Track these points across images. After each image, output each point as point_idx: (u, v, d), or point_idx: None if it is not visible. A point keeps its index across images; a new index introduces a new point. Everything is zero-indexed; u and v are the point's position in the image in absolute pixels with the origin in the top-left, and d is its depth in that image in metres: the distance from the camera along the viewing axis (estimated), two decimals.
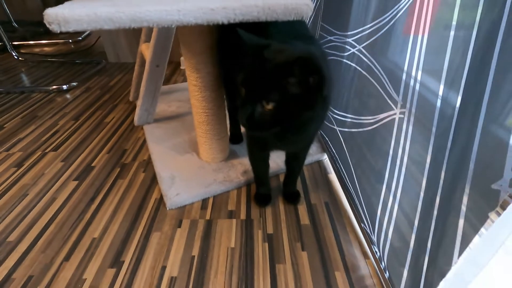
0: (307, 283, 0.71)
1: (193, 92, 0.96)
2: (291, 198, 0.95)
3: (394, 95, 0.67)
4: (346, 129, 0.94)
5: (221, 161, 1.09)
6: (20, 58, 2.27)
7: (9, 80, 1.96)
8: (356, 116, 0.88)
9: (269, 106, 0.57)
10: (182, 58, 2.07)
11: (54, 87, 1.79)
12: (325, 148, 1.14)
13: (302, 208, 0.92)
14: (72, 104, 1.60)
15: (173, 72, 2.04)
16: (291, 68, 0.55)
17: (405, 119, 0.63)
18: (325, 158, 1.15)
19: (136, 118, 1.33)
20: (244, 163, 1.08)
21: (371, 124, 0.80)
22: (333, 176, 1.05)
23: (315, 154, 1.14)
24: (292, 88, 0.56)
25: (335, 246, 0.80)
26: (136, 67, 1.50)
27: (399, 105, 0.65)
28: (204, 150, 1.07)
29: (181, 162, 1.09)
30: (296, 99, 0.57)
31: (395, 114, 0.67)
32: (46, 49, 2.62)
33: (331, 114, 1.06)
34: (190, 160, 1.10)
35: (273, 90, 0.56)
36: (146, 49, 1.30)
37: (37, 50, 2.59)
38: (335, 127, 1.01)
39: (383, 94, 0.72)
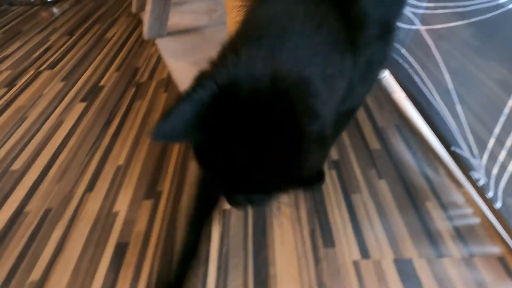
0: (394, 215, 0.57)
1: None
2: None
3: None
4: (441, 25, 0.71)
5: None
6: None
7: None
8: (459, 1, 0.65)
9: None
10: None
11: None
12: (387, 64, 0.93)
13: (368, 131, 0.75)
14: (62, 18, 1.32)
15: None
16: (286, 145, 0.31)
17: None
18: (385, 76, 0.95)
19: (146, 29, 1.07)
20: None
21: (486, 11, 0.58)
22: (399, 96, 0.86)
23: None
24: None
25: (418, 174, 0.65)
26: None
27: None
28: None
29: None
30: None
31: None
32: None
33: (410, 10, 0.82)
34: None
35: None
36: None
37: None
38: (419, 27, 0.78)
39: None
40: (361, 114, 0.80)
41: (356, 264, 0.50)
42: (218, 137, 0.31)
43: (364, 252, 0.51)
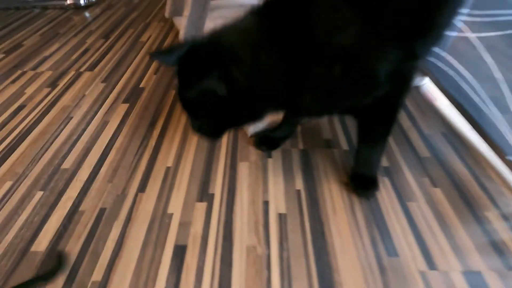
0: (454, 224, 0.56)
1: None
2: (359, 184, 0.62)
3: None
4: (495, 33, 0.70)
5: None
6: None
7: None
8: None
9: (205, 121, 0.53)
10: None
11: (69, 2, 1.50)
12: (425, 72, 0.93)
13: (415, 138, 0.74)
14: (97, 21, 1.34)
15: None
16: (198, 80, 0.47)
17: None
18: (424, 83, 0.94)
19: (182, 33, 1.09)
20: None
21: None
22: (442, 103, 0.85)
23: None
24: (209, 101, 0.49)
25: (473, 182, 0.64)
26: None
27: None
28: None
29: None
30: (225, 108, 0.49)
31: None
32: None
33: (463, 17, 0.81)
34: None
35: (200, 110, 0.52)
36: None
37: None
38: (469, 34, 0.77)
39: None
40: (404, 121, 0.79)
41: (423, 274, 0.48)
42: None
43: (430, 263, 0.50)
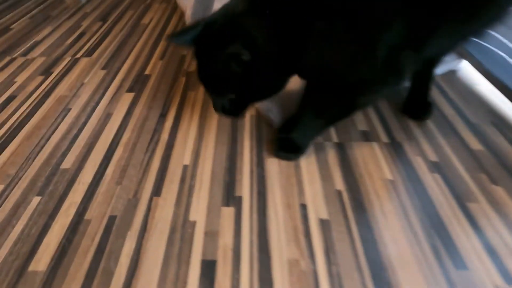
0: None
1: None
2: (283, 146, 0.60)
3: None
4: None
5: None
6: None
7: None
8: None
9: (232, 96, 0.53)
10: None
11: None
12: (464, 54, 0.83)
13: (462, 129, 0.66)
14: (92, 3, 1.22)
15: None
16: (221, 53, 0.47)
17: None
18: (462, 67, 0.85)
19: (189, 13, 0.98)
20: None
21: None
22: (484, 88, 0.76)
23: (447, 61, 0.83)
24: (233, 72, 0.48)
25: None
26: None
27: None
28: None
29: None
30: (247, 78, 0.49)
31: None
32: None
33: None
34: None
35: (223, 85, 0.51)
36: None
37: None
38: None
39: None
40: (447, 109, 0.70)
41: None
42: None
43: (508, 278, 0.42)
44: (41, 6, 1.19)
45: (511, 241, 0.46)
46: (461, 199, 0.52)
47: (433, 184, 0.55)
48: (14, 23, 1.08)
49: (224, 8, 0.50)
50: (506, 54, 0.73)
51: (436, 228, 0.48)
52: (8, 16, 1.12)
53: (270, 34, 0.47)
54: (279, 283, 0.42)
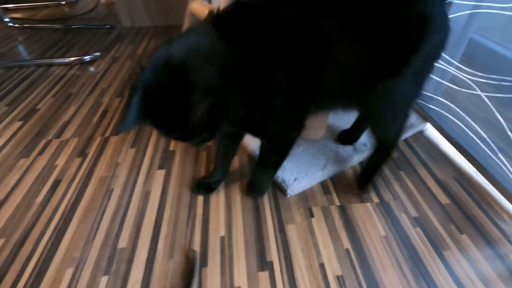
0: (485, 266, 0.64)
1: None
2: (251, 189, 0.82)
3: None
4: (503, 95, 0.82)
5: (322, 137, 0.96)
6: (15, 25, 1.92)
7: (11, 52, 1.65)
8: None
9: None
10: None
11: (73, 58, 1.52)
12: (427, 118, 1.04)
13: (432, 185, 0.84)
14: (106, 77, 1.37)
15: None
16: (183, 105, 0.50)
17: None
18: (426, 128, 1.05)
19: None
20: None
21: None
22: (446, 148, 0.96)
23: (415, 125, 1.04)
24: (200, 118, 0.51)
25: (491, 227, 0.73)
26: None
27: None
28: None
29: None
30: (212, 116, 0.53)
31: None
32: (37, 13, 2.24)
33: (461, 74, 0.94)
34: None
35: (191, 134, 0.55)
36: (202, 6, 1.09)
37: (27, 15, 2.20)
38: (475, 92, 0.89)
39: None
40: (420, 169, 0.89)
41: None
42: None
43: None
44: (60, 83, 1.33)
45: (475, 278, 0.63)
46: (438, 249, 0.68)
47: (417, 237, 0.71)
48: (39, 103, 1.20)
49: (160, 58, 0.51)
50: (461, 123, 0.94)
51: (423, 275, 0.63)
52: (32, 96, 1.24)
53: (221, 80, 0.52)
54: None
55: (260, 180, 0.80)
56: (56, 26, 1.96)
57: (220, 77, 0.51)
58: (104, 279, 0.63)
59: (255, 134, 0.70)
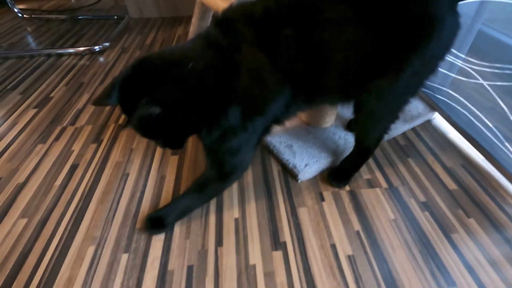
0: (492, 249, 0.66)
1: None
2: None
3: None
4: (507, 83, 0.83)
5: (331, 125, 0.98)
6: (24, 16, 1.94)
7: (21, 42, 1.67)
8: None
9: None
10: None
11: (83, 48, 1.54)
12: (435, 107, 1.06)
13: (440, 172, 0.85)
14: (116, 68, 1.39)
15: None
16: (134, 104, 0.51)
17: None
18: (435, 117, 1.07)
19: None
20: None
21: None
22: (454, 136, 0.98)
23: (423, 114, 1.05)
24: (148, 123, 0.56)
25: (498, 212, 0.75)
26: (195, 20, 1.28)
27: None
28: (312, 113, 0.95)
29: (287, 127, 0.97)
30: (163, 124, 0.57)
31: None
32: (44, 4, 2.25)
33: (468, 65, 0.95)
34: (297, 125, 0.98)
35: (149, 132, 0.60)
36: None
37: (34, 6, 2.22)
38: (480, 81, 0.91)
39: None
40: (428, 156, 0.90)
41: None
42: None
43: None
44: (71, 72, 1.35)
45: (483, 260, 0.65)
46: (446, 231, 0.70)
47: (425, 221, 0.73)
48: (52, 91, 1.22)
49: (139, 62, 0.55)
50: (467, 112, 0.95)
51: (431, 255, 0.66)
52: (44, 84, 1.26)
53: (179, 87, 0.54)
54: None
55: (181, 206, 0.73)
56: (64, 17, 1.98)
57: (178, 95, 0.54)
58: (124, 256, 0.66)
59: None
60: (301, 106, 0.67)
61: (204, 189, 0.72)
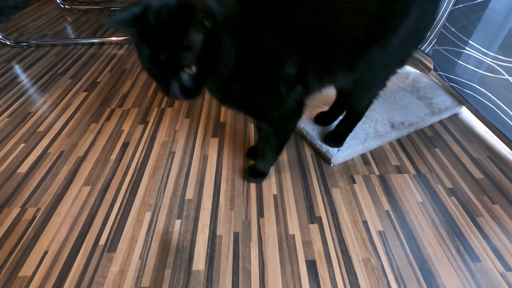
0: None
1: None
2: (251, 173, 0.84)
3: None
4: None
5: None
6: (66, 6, 2.06)
7: (64, 31, 1.79)
8: None
9: (193, 69, 0.52)
10: None
11: (123, 38, 1.64)
12: (463, 101, 1.09)
13: (467, 162, 0.90)
14: None
15: None
16: (183, 23, 0.48)
17: None
18: (462, 111, 1.10)
19: None
20: (384, 118, 1.02)
21: None
22: (481, 130, 1.01)
23: (451, 107, 1.08)
24: (197, 40, 0.50)
25: None
26: None
27: None
28: None
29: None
30: (209, 47, 0.51)
31: None
32: None
33: (495, 62, 0.98)
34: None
35: (184, 54, 0.50)
36: None
37: None
38: (506, 77, 0.94)
39: None
40: (454, 146, 0.95)
41: (503, 275, 0.63)
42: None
43: (507, 266, 0.65)
44: (114, 60, 1.45)
45: (507, 242, 0.69)
46: (472, 215, 0.75)
47: (452, 205, 0.78)
48: (98, 76, 1.32)
49: None
50: (494, 106, 0.98)
51: (457, 235, 0.71)
52: (91, 70, 1.37)
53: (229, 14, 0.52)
54: (360, 273, 0.64)
55: (261, 164, 0.83)
56: (100, 7, 2.09)
57: (225, 16, 0.51)
58: (178, 222, 0.75)
59: (251, 113, 0.69)
60: (313, 81, 0.67)
61: (270, 141, 0.76)
